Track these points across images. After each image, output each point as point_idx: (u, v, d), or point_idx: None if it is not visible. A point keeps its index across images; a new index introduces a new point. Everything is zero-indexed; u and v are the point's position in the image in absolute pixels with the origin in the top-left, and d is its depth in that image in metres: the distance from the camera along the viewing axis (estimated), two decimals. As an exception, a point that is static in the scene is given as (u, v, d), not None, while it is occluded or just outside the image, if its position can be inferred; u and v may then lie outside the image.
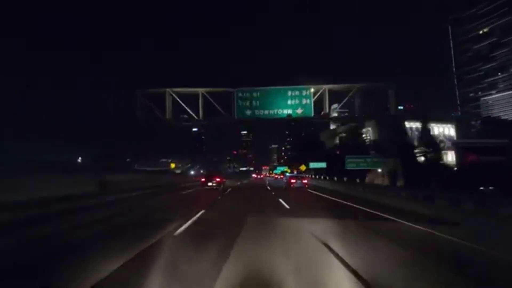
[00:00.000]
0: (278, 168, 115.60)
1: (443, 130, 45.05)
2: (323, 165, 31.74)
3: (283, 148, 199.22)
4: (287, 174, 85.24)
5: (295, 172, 53.41)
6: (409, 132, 42.72)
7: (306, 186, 22.77)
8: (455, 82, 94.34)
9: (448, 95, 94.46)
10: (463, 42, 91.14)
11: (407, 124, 42.62)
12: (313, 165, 32.63)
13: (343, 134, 40.21)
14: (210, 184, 22.25)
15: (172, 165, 61.41)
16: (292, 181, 23.20)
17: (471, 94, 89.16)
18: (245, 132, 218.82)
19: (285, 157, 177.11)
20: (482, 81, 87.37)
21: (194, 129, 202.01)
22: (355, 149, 32.39)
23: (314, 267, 4.11)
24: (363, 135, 35.80)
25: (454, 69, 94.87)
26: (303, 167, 34.80)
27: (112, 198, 13.09)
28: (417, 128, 43.61)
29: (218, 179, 23.17)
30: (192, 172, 78.89)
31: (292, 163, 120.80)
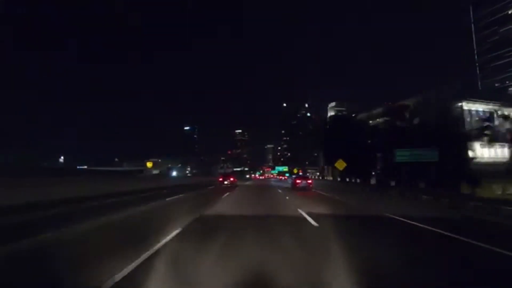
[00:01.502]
0: (276, 168, 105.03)
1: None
2: (429, 155, 16.74)
3: (279, 148, 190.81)
4: (288, 175, 76.49)
5: (301, 173, 46.25)
6: (468, 117, 31.17)
7: (311, 186, 22.87)
8: (477, 71, 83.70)
9: (468, 87, 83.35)
10: (487, 25, 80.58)
11: (465, 106, 31.08)
12: (402, 155, 17.44)
13: (381, 119, 27.74)
14: (226, 182, 28.04)
15: (149, 164, 49.20)
16: (298, 181, 23.73)
17: (496, 84, 78.43)
18: (239, 130, 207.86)
19: (287, 155, 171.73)
20: (510, 68, 76.80)
21: (186, 127, 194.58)
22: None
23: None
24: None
25: (476, 57, 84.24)
26: (341, 164, 22.00)
27: None
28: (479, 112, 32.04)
29: (232, 179, 29.18)
30: (174, 173, 63.63)
31: (291, 163, 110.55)
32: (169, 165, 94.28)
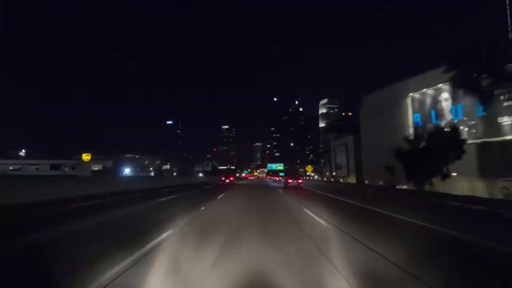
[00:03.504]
0: (269, 165, 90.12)
1: None
2: None
3: (268, 146, 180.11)
4: (282, 174, 62.76)
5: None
6: None
7: (301, 185, 24.77)
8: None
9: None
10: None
11: None
12: None
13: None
14: (227, 181, 36.92)
15: (85, 157, 33.12)
16: (290, 181, 25.85)
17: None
18: (226, 126, 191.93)
19: (277, 153, 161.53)
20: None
21: (169, 122, 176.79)
22: None
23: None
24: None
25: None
26: None
27: None
28: None
29: (231, 178, 39.23)
30: (127, 171, 44.17)
31: (287, 161, 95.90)
32: (146, 161, 77.32)
